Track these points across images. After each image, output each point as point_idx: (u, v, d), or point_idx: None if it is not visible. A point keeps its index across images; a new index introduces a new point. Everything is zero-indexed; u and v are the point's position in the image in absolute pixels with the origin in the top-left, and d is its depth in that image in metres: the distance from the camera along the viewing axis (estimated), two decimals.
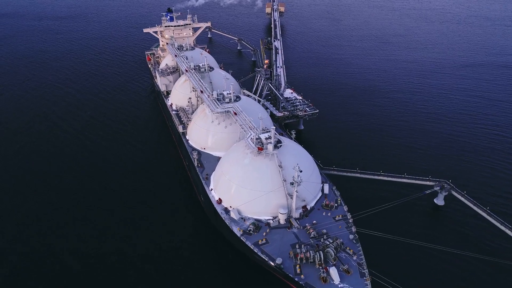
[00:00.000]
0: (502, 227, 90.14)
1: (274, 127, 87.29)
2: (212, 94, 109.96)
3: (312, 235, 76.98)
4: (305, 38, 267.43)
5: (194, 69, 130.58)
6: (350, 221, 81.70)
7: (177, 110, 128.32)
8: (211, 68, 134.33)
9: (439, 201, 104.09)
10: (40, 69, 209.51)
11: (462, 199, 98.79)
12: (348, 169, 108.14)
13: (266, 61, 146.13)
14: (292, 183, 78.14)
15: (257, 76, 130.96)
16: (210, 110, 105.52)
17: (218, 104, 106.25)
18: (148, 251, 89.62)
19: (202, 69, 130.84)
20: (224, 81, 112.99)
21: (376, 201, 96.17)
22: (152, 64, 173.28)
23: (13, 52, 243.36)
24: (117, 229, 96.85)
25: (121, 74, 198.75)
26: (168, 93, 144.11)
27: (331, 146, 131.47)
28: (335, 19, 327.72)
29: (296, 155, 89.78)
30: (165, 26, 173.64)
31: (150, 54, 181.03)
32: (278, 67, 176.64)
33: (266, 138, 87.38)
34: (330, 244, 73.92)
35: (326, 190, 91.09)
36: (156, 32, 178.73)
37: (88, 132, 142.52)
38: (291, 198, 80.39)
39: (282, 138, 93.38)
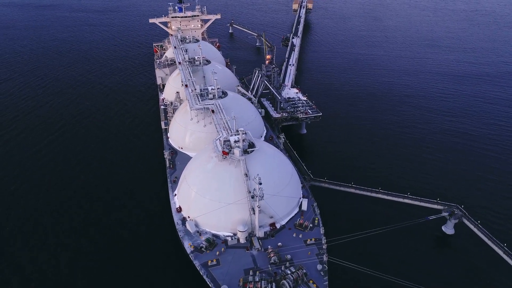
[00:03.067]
0: None
1: (243, 129, 74.96)
2: (195, 89, 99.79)
3: (272, 261, 64.46)
4: (331, 37, 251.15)
5: (189, 61, 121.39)
6: (323, 247, 68.17)
7: (165, 105, 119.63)
8: (207, 62, 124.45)
9: (448, 229, 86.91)
10: (55, 58, 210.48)
11: (475, 230, 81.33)
12: (341, 183, 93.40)
13: (268, 57, 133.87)
14: (253, 197, 66.02)
15: (255, 72, 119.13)
16: (190, 106, 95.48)
17: (198, 100, 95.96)
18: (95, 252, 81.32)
19: (197, 62, 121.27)
20: (211, 75, 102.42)
21: (367, 224, 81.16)
22: (158, 56, 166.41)
23: (38, 40, 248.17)
24: (73, 223, 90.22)
25: (131, 65, 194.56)
26: (164, 86, 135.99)
27: (331, 154, 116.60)
28: (370, 18, 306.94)
29: (269, 163, 77.38)
30: (172, 17, 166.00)
31: (158, 46, 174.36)
32: (290, 64, 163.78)
33: (235, 141, 75.59)
34: (290, 275, 61.08)
35: (305, 207, 77.85)
36: (166, 24, 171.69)
37: (84, 122, 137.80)
38: (254, 213, 68.27)
39: (259, 142, 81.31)
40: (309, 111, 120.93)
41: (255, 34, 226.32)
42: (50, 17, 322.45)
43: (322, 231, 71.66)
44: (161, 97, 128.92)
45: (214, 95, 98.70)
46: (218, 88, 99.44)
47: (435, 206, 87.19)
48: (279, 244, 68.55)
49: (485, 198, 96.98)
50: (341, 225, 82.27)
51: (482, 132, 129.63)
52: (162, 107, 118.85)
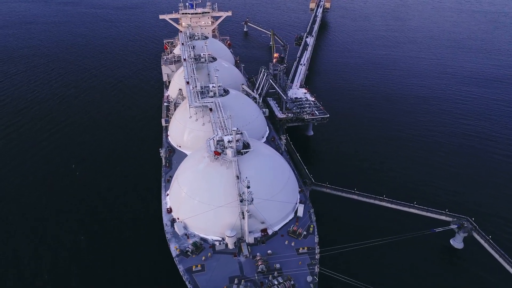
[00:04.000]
0: None
1: (236, 129, 71.45)
2: (196, 86, 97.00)
3: (259, 269, 60.77)
4: (348, 37, 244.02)
5: (195, 58, 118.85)
6: (316, 257, 63.99)
7: (168, 102, 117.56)
8: (213, 59, 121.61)
9: (457, 243, 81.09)
10: (72, 53, 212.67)
11: (486, 245, 75.25)
12: (343, 189, 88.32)
13: (276, 55, 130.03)
14: (241, 201, 62.49)
15: (261, 71, 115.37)
16: (188, 103, 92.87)
17: (198, 98, 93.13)
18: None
19: (202, 59, 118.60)
20: (214, 72, 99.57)
21: (367, 234, 76.34)
22: (168, 52, 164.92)
23: (57, 35, 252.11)
24: (71, 220, 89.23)
25: (144, 61, 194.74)
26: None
27: (337, 158, 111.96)
28: (391, 18, 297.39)
29: (264, 166, 73.77)
30: (182, 13, 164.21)
31: (169, 43, 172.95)
32: (301, 64, 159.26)
33: (229, 141, 72.19)
34: (276, 286, 57.39)
35: (301, 213, 73.72)
36: (176, 21, 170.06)
37: (91, 113, 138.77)
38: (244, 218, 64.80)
39: (255, 143, 77.67)
40: (316, 112, 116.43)
41: (269, 32, 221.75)
42: (70, 13, 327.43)
43: (316, 239, 67.47)
44: (165, 94, 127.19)
45: (214, 93, 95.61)
46: (219, 86, 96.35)
47: (444, 218, 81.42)
48: (269, 251, 64.80)
49: (499, 210, 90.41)
50: (339, 234, 77.92)
51: (504, 138, 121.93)
52: (165, 103, 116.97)
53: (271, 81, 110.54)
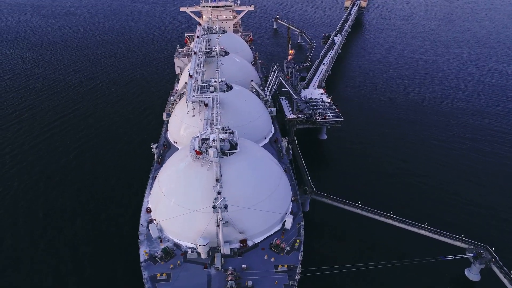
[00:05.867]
0: None
1: (221, 127, 65.24)
2: (197, 80, 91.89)
3: (228, 285, 54.21)
4: (383, 38, 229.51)
5: (206, 52, 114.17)
6: (296, 277, 56.40)
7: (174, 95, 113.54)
8: (225, 53, 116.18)
9: (473, 274, 70.17)
10: (102, 45, 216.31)
11: (505, 281, 63.91)
12: (346, 201, 79.53)
13: (291, 51, 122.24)
14: (214, 207, 56.16)
15: (272, 67, 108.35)
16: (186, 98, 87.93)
17: (197, 92, 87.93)
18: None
19: (213, 53, 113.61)
20: (226, 67, 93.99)
21: (365, 255, 68.28)
22: (188, 45, 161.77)
23: (92, 25, 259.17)
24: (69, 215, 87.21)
25: (166, 53, 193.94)
26: None
27: (347, 165, 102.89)
28: (434, 19, 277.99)
29: (250, 170, 66.81)
30: (203, 6, 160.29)
31: (190, 36, 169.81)
32: (323, 63, 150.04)
33: (214, 140, 66.13)
34: None
35: (288, 225, 66.10)
36: (198, 14, 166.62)
37: (101, 107, 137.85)
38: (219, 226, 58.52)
39: (246, 144, 71.01)
40: (330, 114, 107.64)
41: (297, 30, 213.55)
42: (110, 6, 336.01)
43: (300, 257, 59.72)
44: (175, 88, 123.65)
45: (215, 88, 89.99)
46: (221, 81, 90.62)
47: (458, 244, 70.84)
48: (244, 266, 57.98)
49: None
50: (331, 252, 69.69)
51: None
52: (171, 97, 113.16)
53: (281, 78, 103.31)
